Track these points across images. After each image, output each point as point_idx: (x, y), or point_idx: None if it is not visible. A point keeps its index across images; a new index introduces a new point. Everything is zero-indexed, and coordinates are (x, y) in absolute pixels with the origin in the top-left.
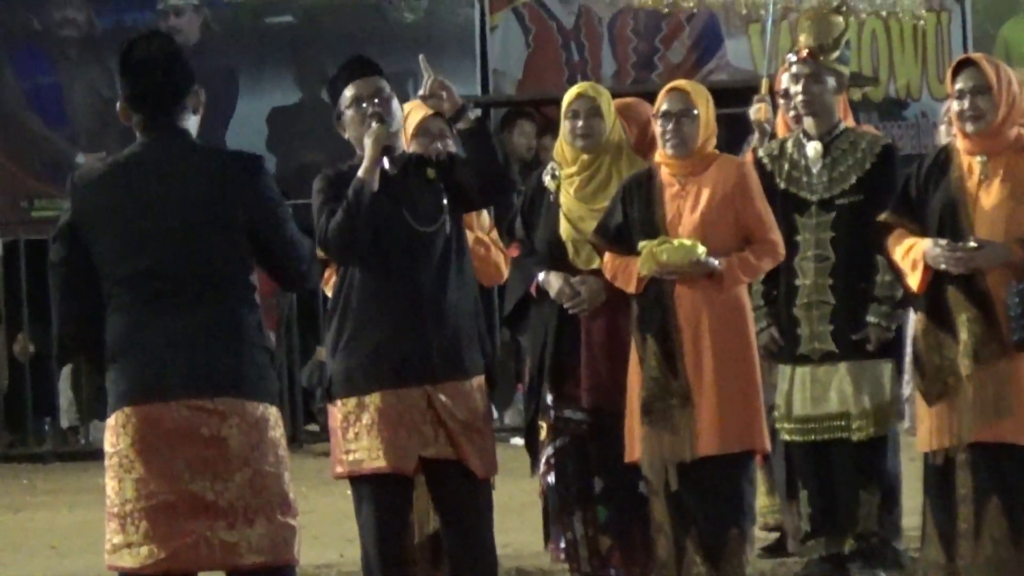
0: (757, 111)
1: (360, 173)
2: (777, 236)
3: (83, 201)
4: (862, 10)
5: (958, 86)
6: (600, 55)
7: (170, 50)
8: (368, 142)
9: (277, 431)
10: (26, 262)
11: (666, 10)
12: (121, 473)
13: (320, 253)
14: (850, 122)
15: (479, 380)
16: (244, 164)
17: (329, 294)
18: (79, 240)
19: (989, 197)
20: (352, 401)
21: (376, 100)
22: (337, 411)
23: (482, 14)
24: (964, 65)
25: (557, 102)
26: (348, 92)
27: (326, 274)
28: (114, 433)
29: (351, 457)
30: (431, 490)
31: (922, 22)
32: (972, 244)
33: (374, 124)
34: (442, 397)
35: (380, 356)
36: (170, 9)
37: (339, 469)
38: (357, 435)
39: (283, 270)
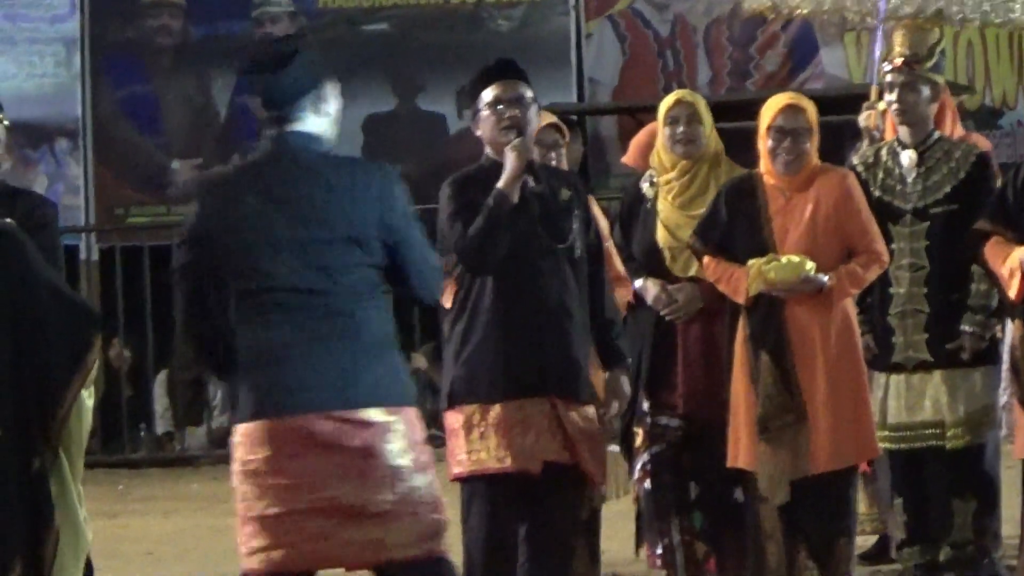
0: (867, 118)
1: (501, 185)
2: (882, 246)
3: (213, 207)
4: (968, 19)
5: None
6: (695, 63)
7: (291, 51)
8: (511, 156)
9: (420, 434)
10: (121, 269)
11: (771, 15)
12: (261, 480)
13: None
14: (959, 131)
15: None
16: (380, 174)
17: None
18: (207, 246)
19: None
20: (474, 407)
21: (516, 106)
22: (459, 414)
23: (577, 22)
24: None
25: (652, 110)
26: (489, 93)
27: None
28: (252, 442)
29: (474, 457)
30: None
31: None
32: None
33: (514, 137)
34: (561, 406)
35: (506, 366)
36: (265, 17)
37: (458, 470)
38: (483, 435)
39: (414, 282)
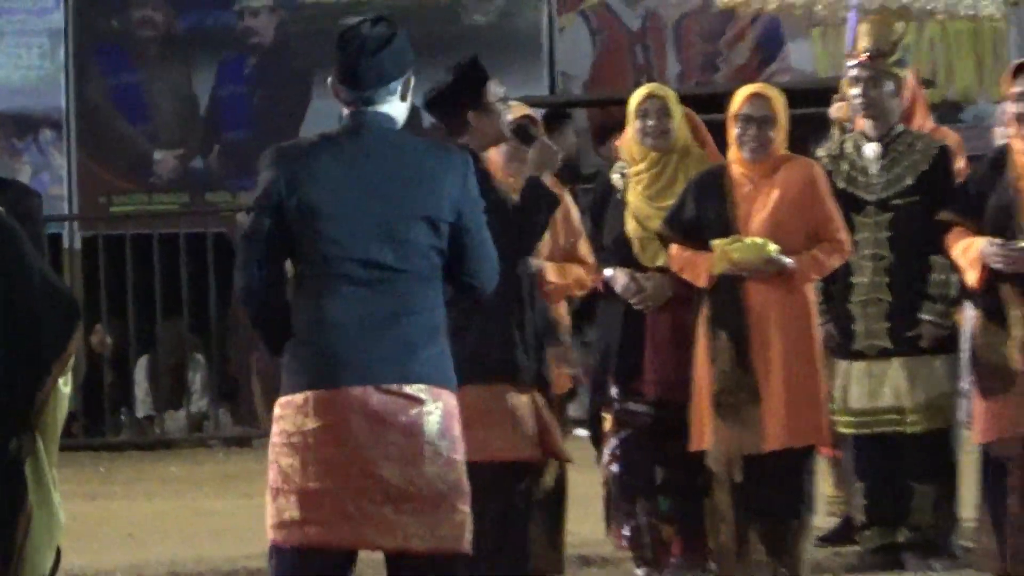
0: (838, 109)
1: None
2: (845, 235)
3: (292, 173)
4: (931, 10)
5: (1015, 89)
6: (666, 57)
7: (388, 35)
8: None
9: (457, 423)
10: (104, 256)
11: (744, 9)
12: (305, 454)
13: None
14: (930, 124)
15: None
16: (458, 159)
17: None
18: (281, 212)
19: None
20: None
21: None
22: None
23: (550, 17)
24: (1022, 69)
25: (623, 103)
26: (499, 89)
27: None
28: (299, 413)
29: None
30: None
31: (998, 15)
32: None
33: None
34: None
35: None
36: (247, 10)
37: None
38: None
39: (473, 269)
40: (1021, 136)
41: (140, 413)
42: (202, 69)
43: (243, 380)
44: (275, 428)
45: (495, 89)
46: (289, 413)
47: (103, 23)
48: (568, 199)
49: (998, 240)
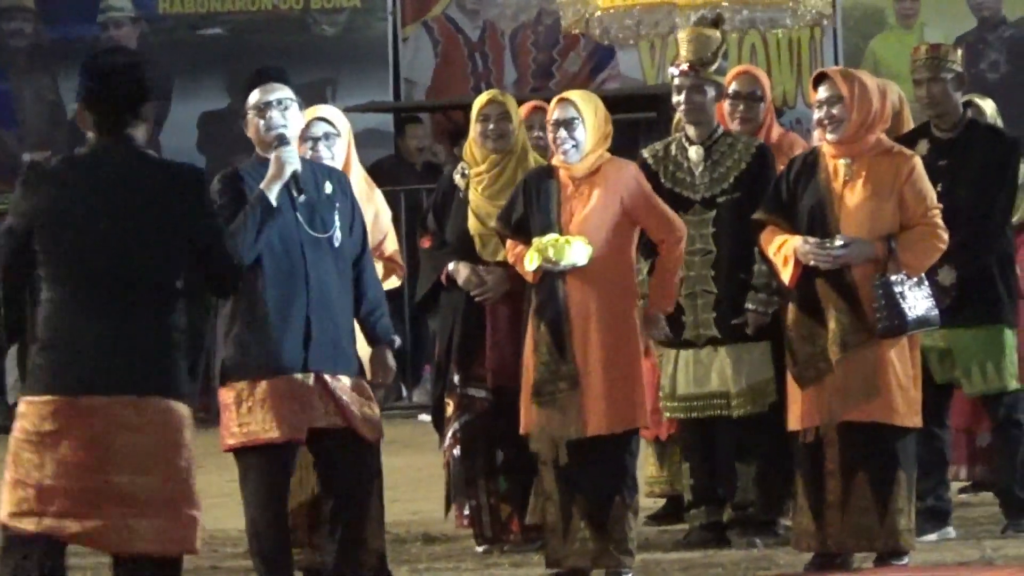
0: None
1: (263, 185)
2: (679, 221)
3: (35, 195)
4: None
5: (817, 97)
6: (503, 65)
7: (133, 63)
8: (274, 162)
9: (190, 430)
10: None
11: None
12: (43, 451)
13: None
14: (777, 128)
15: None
16: (189, 178)
17: None
18: (25, 231)
19: (853, 197)
20: (243, 384)
21: (276, 108)
22: (230, 391)
23: (395, 27)
24: (822, 78)
25: (464, 107)
26: (253, 97)
27: None
28: (39, 415)
29: (244, 430)
30: (318, 459)
31: (822, 21)
32: (838, 242)
33: (278, 143)
34: (329, 378)
35: (273, 345)
36: (110, 22)
37: (231, 441)
38: (251, 409)
39: (218, 278)
40: (826, 140)
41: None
42: (69, 77)
43: None
44: (17, 424)
45: (255, 97)
46: (31, 412)
47: None
48: (378, 198)
49: (812, 239)
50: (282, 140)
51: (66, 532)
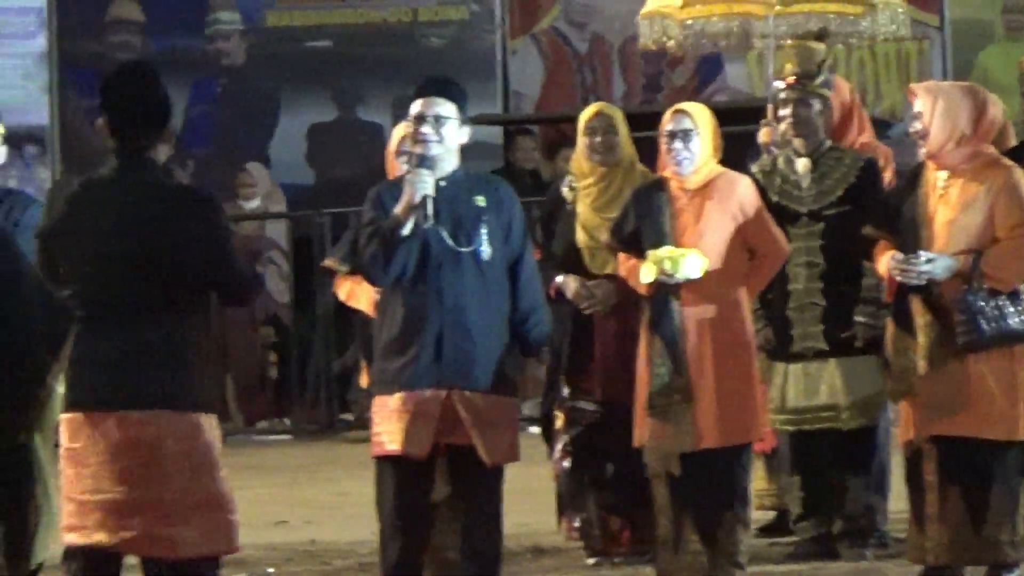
0: (764, 134)
1: (397, 211)
2: (784, 241)
3: (54, 216)
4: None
5: (910, 112)
6: (611, 78)
7: (152, 85)
8: (406, 187)
9: (210, 435)
10: None
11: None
12: (78, 467)
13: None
14: (866, 139)
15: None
16: (198, 203)
17: (352, 303)
18: (43, 248)
19: (945, 211)
20: (383, 397)
21: (429, 123)
22: (375, 402)
23: (503, 40)
24: (911, 94)
25: (572, 120)
26: (414, 108)
27: (344, 285)
28: (69, 431)
29: (377, 440)
30: (449, 474)
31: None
32: (923, 258)
33: (416, 164)
34: (458, 394)
35: (405, 361)
36: (217, 34)
37: (373, 450)
38: (383, 421)
39: (228, 295)
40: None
41: None
42: (175, 89)
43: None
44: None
45: (415, 108)
46: (63, 429)
47: (82, 47)
48: None
49: (900, 255)
50: (421, 161)
51: (105, 544)
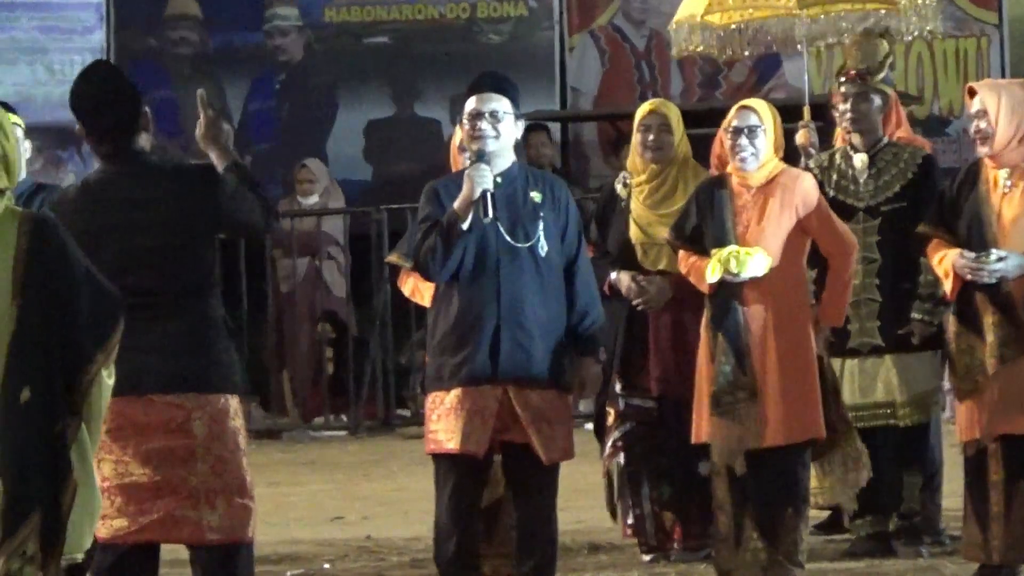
0: (801, 136)
1: (456, 206)
2: (851, 235)
3: (65, 218)
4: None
5: (970, 110)
6: (669, 74)
7: (115, 83)
8: (466, 181)
9: (237, 420)
10: None
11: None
12: (101, 454)
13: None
14: (903, 133)
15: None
16: (200, 177)
17: (416, 299)
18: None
19: (1011, 209)
20: (437, 393)
21: (486, 119)
22: (428, 399)
23: (561, 37)
24: (972, 92)
25: (630, 117)
26: (469, 103)
27: (408, 281)
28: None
29: (433, 437)
30: (504, 471)
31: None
32: (993, 256)
33: (475, 159)
34: (514, 391)
35: (461, 357)
36: (275, 30)
37: (428, 447)
38: (440, 418)
39: (248, 231)
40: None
41: None
42: (234, 85)
43: (273, 373)
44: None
45: (470, 104)
46: None
47: (141, 42)
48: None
49: (969, 253)
50: (480, 156)
51: (124, 533)
